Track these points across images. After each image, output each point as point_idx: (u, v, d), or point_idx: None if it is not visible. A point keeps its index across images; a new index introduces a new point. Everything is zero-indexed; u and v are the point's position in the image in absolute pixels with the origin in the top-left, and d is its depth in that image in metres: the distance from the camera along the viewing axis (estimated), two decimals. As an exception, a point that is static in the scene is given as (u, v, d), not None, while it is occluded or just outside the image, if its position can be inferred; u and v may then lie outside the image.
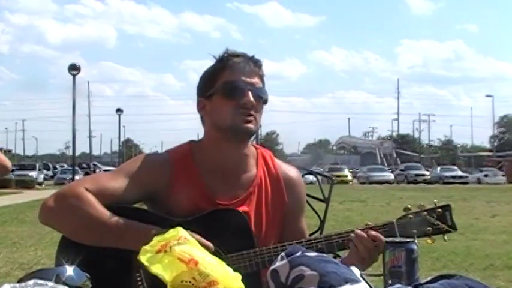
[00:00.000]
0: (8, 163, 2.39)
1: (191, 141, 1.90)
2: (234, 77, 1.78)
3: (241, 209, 1.79)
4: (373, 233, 1.69)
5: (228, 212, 1.76)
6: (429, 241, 1.72)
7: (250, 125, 1.77)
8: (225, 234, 1.71)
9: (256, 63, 1.82)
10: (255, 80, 1.80)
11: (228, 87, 1.78)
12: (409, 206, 1.75)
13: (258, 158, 1.89)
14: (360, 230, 1.71)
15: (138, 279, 1.65)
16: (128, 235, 1.63)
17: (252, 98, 1.76)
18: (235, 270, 1.61)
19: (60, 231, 1.72)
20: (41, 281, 0.99)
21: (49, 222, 1.70)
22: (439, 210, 1.74)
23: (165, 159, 1.82)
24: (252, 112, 1.77)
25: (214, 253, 1.65)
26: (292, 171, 1.95)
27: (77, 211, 1.65)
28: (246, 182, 1.85)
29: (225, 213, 1.76)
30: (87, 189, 1.68)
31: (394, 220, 1.74)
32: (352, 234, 1.70)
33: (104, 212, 1.65)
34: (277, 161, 1.94)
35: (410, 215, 1.73)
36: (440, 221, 1.73)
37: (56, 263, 1.67)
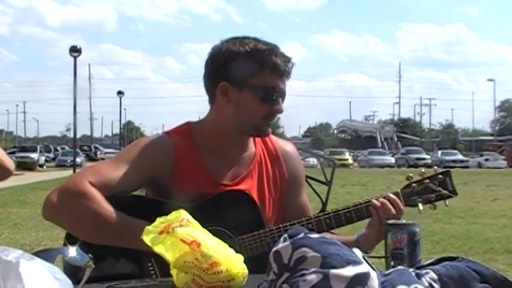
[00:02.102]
0: (11, 165, 2.10)
1: (189, 122, 1.88)
2: (273, 83, 1.75)
3: (243, 187, 1.80)
4: (392, 196, 1.74)
5: (235, 194, 1.76)
6: (432, 208, 1.78)
7: (269, 128, 1.82)
8: (234, 216, 1.71)
9: (291, 69, 1.79)
10: (285, 83, 1.80)
11: (267, 92, 1.75)
12: (411, 175, 1.79)
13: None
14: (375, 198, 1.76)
15: (151, 268, 1.64)
16: (136, 236, 1.59)
17: (282, 107, 1.78)
18: (248, 251, 1.64)
19: (64, 229, 1.70)
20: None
21: (53, 219, 1.67)
22: (440, 176, 1.80)
23: (167, 143, 1.78)
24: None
25: (225, 236, 1.66)
26: (288, 146, 1.96)
27: (81, 210, 1.62)
28: (246, 161, 1.85)
29: (232, 195, 1.76)
30: (90, 183, 1.64)
31: (399, 190, 1.79)
32: (375, 201, 1.74)
33: (110, 211, 1.62)
34: (273, 137, 1.94)
35: (414, 184, 1.78)
36: (441, 187, 1.78)
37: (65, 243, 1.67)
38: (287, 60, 1.77)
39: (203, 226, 1.59)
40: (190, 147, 1.79)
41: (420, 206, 1.76)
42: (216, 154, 1.81)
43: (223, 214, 1.71)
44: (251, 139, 1.88)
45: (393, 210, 1.72)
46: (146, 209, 1.59)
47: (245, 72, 1.75)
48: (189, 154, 1.79)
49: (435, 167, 1.83)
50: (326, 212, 1.77)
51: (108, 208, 1.62)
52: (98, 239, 1.62)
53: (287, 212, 1.85)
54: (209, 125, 1.83)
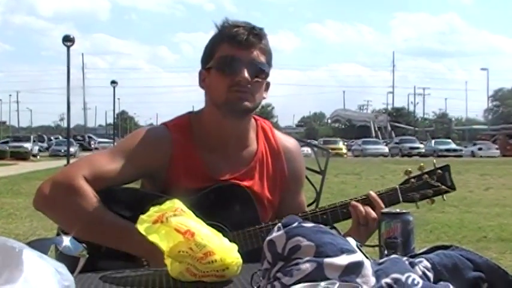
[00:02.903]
0: None
1: (190, 113, 1.84)
2: (230, 51, 1.70)
3: (244, 183, 1.77)
4: (372, 195, 1.73)
5: (231, 188, 1.74)
6: (429, 202, 1.77)
7: (246, 103, 1.70)
8: (229, 210, 1.70)
9: (257, 35, 1.72)
10: (254, 53, 1.71)
11: (223, 62, 1.71)
12: (410, 169, 1.78)
13: (258, 131, 1.85)
14: (361, 197, 1.74)
15: (145, 262, 1.63)
16: (123, 239, 1.58)
17: (246, 75, 1.68)
18: (243, 246, 1.61)
19: (52, 220, 1.69)
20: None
21: (43, 210, 1.65)
22: (439, 171, 1.78)
23: (165, 137, 1.75)
24: (246, 89, 1.70)
25: (219, 230, 1.66)
26: (291, 143, 1.91)
27: (71, 206, 1.61)
28: (247, 157, 1.81)
29: (228, 189, 1.74)
30: (84, 177, 1.62)
31: (397, 186, 1.77)
32: (353, 202, 1.73)
33: (100, 210, 1.60)
34: (277, 133, 1.90)
35: (412, 180, 1.77)
36: (440, 182, 1.77)
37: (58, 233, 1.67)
38: (249, 28, 1.72)
39: None
40: (188, 142, 1.76)
41: (418, 202, 1.76)
42: (215, 150, 1.78)
43: (218, 208, 1.69)
44: (253, 135, 1.84)
45: (371, 214, 1.71)
46: (141, 202, 1.55)
47: (208, 51, 1.76)
48: (187, 149, 1.75)
49: (434, 161, 1.82)
50: (320, 209, 1.77)
51: (98, 207, 1.60)
52: (85, 236, 1.58)
53: (283, 211, 1.79)
54: (205, 114, 1.80)
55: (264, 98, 1.79)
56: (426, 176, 1.77)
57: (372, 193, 1.74)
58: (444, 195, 1.78)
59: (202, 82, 1.78)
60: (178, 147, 1.74)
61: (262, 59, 1.74)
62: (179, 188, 1.70)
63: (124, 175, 1.69)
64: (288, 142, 1.91)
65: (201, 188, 1.71)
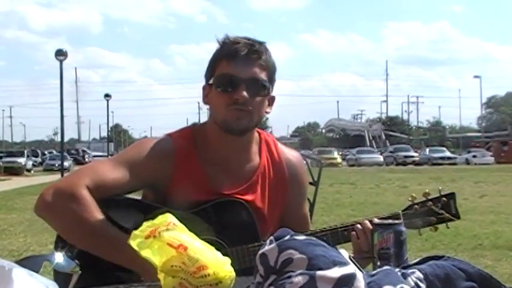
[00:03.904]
0: None
1: (194, 125, 1.85)
2: (228, 69, 1.70)
3: (246, 197, 1.76)
4: (367, 224, 1.65)
5: (232, 203, 1.74)
6: (432, 230, 1.74)
7: (242, 122, 1.70)
8: (229, 226, 1.70)
9: (256, 51, 1.70)
10: (254, 70, 1.70)
11: (222, 80, 1.71)
12: (414, 195, 1.74)
13: (261, 145, 1.85)
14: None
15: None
16: (120, 252, 1.54)
17: (244, 93, 1.68)
18: (241, 263, 1.60)
19: (51, 227, 1.68)
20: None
21: (43, 216, 1.65)
22: (444, 199, 1.74)
23: (169, 148, 1.74)
24: (245, 108, 1.69)
25: (217, 246, 1.65)
26: (294, 157, 1.90)
27: (71, 215, 1.60)
28: (249, 171, 1.81)
29: (229, 205, 1.73)
30: (87, 186, 1.62)
31: (400, 211, 1.72)
32: (359, 226, 1.67)
33: (100, 222, 1.59)
34: (280, 147, 1.89)
35: (416, 206, 1.73)
36: (444, 210, 1.73)
37: (55, 247, 1.67)
38: (249, 44, 1.71)
39: (196, 235, 1.59)
40: (192, 154, 1.76)
41: (421, 229, 1.73)
42: (218, 163, 1.77)
43: (217, 224, 1.69)
44: (255, 148, 1.83)
45: (363, 244, 1.64)
46: (141, 214, 1.58)
47: (210, 67, 1.76)
48: (191, 161, 1.75)
49: (439, 188, 1.76)
50: (324, 229, 1.73)
51: (98, 218, 1.60)
52: (84, 246, 1.61)
53: (287, 224, 1.71)
54: (208, 128, 1.80)
55: (267, 112, 1.79)
56: (430, 203, 1.73)
57: (367, 223, 1.66)
58: (448, 224, 1.73)
59: (205, 98, 1.78)
60: (182, 159, 1.75)
61: (263, 75, 1.72)
62: (181, 199, 1.70)
63: (126, 185, 1.69)
64: (291, 155, 1.90)
65: (203, 201, 1.71)
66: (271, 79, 1.76)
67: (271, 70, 1.75)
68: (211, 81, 1.74)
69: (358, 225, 1.68)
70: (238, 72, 1.69)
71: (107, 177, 1.67)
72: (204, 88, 1.79)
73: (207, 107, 1.80)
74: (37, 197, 1.67)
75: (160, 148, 1.75)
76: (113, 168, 1.69)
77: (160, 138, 1.80)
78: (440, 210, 1.73)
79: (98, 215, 1.60)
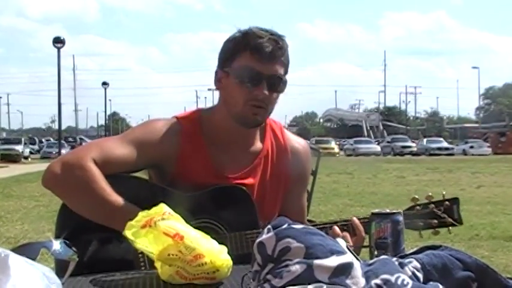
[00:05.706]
0: None
1: (201, 109, 1.86)
2: (252, 63, 1.68)
3: (247, 181, 1.77)
4: (356, 222, 1.67)
5: (233, 189, 1.74)
6: (434, 233, 1.72)
7: (258, 117, 1.72)
8: (229, 211, 1.70)
9: (280, 49, 1.70)
10: (275, 68, 1.70)
11: (244, 73, 1.69)
12: (417, 197, 1.72)
13: (266, 129, 1.85)
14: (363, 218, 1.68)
15: (141, 259, 1.62)
16: (119, 217, 1.54)
17: (265, 91, 1.68)
18: (239, 249, 1.61)
19: (60, 198, 1.69)
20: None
21: (51, 187, 1.66)
22: (447, 203, 1.73)
23: (175, 129, 1.76)
24: (263, 104, 1.70)
25: (217, 231, 1.65)
26: (301, 145, 1.91)
27: (79, 185, 1.61)
28: (252, 154, 1.82)
29: (230, 190, 1.74)
30: (93, 160, 1.63)
31: (401, 211, 1.72)
32: (355, 219, 1.68)
33: (107, 191, 1.60)
34: (287, 133, 1.90)
35: (418, 207, 1.72)
36: (447, 214, 1.72)
37: (55, 233, 1.68)
38: (274, 39, 1.70)
39: (196, 218, 1.59)
40: (197, 137, 1.78)
41: (422, 231, 1.71)
42: (222, 146, 1.79)
43: (218, 208, 1.69)
44: (260, 133, 1.84)
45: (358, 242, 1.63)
46: (146, 193, 1.62)
47: (229, 54, 1.74)
48: (195, 143, 1.77)
49: (443, 192, 1.75)
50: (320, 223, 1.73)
51: (105, 188, 1.61)
52: (92, 216, 1.62)
53: (284, 212, 1.76)
54: (217, 113, 1.81)
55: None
56: (433, 205, 1.72)
57: (356, 220, 1.67)
58: (450, 229, 1.72)
59: (218, 82, 1.77)
60: (188, 141, 1.76)
61: (282, 71, 1.73)
62: (185, 181, 1.71)
63: (132, 163, 1.70)
64: (297, 143, 1.91)
65: (206, 183, 1.72)
66: (287, 73, 1.77)
67: (288, 65, 1.76)
68: (229, 69, 1.73)
69: (355, 219, 1.68)
70: (262, 69, 1.69)
71: (113, 153, 1.68)
72: (216, 72, 1.78)
73: (217, 91, 1.80)
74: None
75: (167, 128, 1.76)
76: (120, 145, 1.70)
77: (167, 119, 1.81)
78: (442, 214, 1.72)
79: (106, 185, 1.62)
